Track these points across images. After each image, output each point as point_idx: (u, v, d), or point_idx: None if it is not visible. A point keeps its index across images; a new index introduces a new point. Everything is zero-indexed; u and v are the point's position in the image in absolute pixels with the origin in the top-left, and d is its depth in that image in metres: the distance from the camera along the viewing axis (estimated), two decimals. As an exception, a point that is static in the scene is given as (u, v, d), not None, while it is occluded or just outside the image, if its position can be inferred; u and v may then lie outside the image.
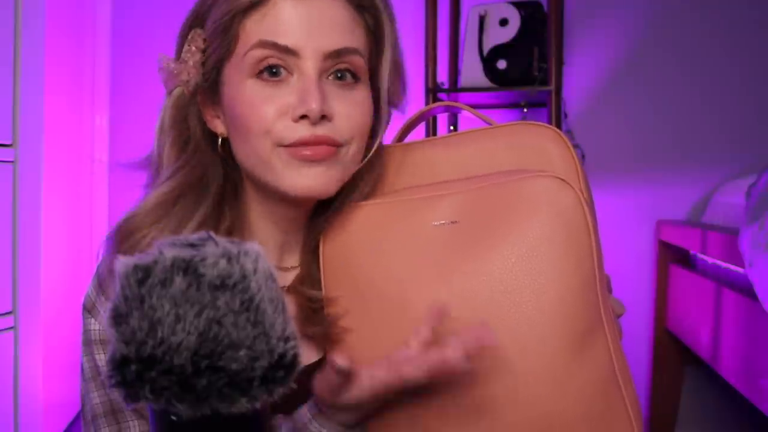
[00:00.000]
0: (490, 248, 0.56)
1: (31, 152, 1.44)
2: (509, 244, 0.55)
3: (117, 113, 2.09)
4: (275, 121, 0.59)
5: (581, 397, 0.53)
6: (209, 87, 0.63)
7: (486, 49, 1.70)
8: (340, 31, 0.60)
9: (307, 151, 0.59)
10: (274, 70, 0.59)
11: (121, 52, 2.09)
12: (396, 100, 0.67)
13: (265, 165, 0.60)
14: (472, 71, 1.70)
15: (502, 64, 1.67)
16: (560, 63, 1.61)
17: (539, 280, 0.54)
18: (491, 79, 1.68)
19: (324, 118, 0.59)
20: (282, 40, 0.58)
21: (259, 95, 0.59)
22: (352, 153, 0.62)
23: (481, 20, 1.70)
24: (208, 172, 0.64)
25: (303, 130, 0.59)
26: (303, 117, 0.59)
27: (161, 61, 0.63)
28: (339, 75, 0.61)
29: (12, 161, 1.41)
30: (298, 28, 0.58)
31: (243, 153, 0.62)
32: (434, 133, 1.70)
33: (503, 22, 1.68)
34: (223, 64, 0.61)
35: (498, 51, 1.68)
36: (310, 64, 0.59)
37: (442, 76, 1.81)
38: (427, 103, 1.69)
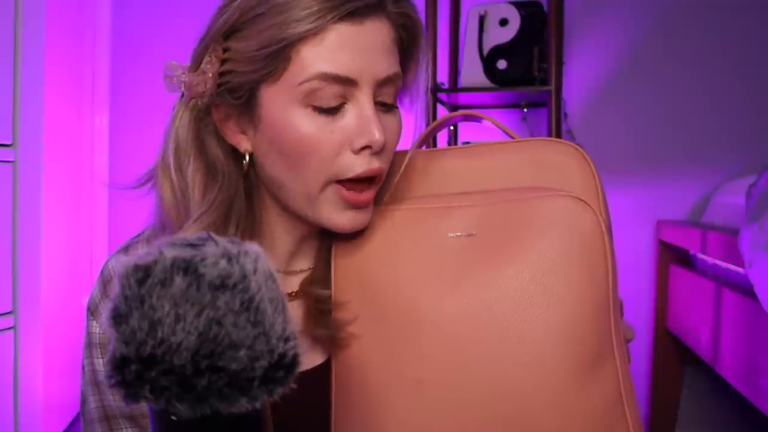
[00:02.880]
0: (504, 264, 0.55)
1: (31, 152, 1.44)
2: (524, 261, 0.55)
3: (117, 114, 2.09)
4: (336, 157, 0.58)
5: (585, 421, 0.53)
6: (243, 104, 0.59)
7: (486, 49, 1.69)
8: (389, 55, 0.59)
9: (356, 197, 0.59)
10: (326, 98, 0.57)
11: (121, 52, 2.09)
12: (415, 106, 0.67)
13: (309, 199, 0.60)
14: (472, 71, 1.70)
15: (502, 64, 1.67)
16: (560, 63, 1.61)
17: (552, 299, 0.53)
18: (491, 79, 1.68)
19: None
20: (343, 71, 0.56)
21: (316, 127, 0.57)
22: (383, 180, 0.63)
23: (481, 20, 1.70)
24: (235, 199, 0.62)
25: (364, 164, 0.58)
26: (364, 148, 0.58)
27: (172, 69, 0.60)
28: (380, 96, 0.60)
29: (12, 161, 1.41)
30: (357, 55, 0.56)
31: (282, 179, 0.60)
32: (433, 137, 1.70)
33: (503, 22, 1.68)
34: (262, 84, 0.58)
35: (498, 51, 1.68)
36: (365, 92, 0.58)
37: (442, 76, 1.81)
38: (427, 104, 1.68)
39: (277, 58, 0.56)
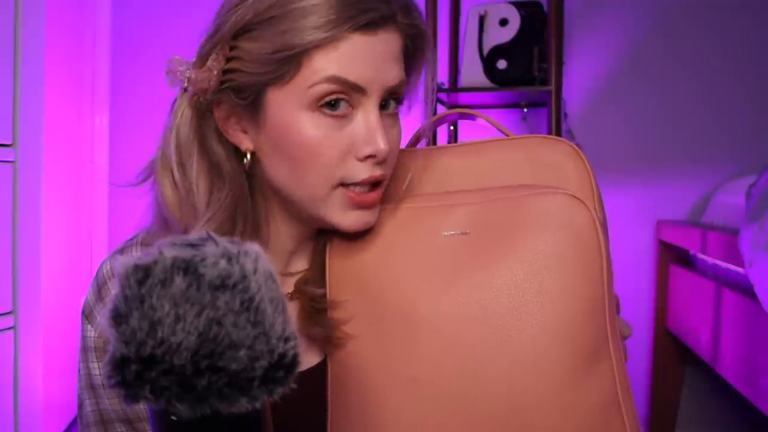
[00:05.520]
0: (498, 262, 0.55)
1: (31, 152, 1.44)
2: (518, 259, 0.55)
3: (117, 113, 2.09)
4: (340, 162, 0.59)
5: (581, 419, 0.53)
6: (248, 105, 0.59)
7: (486, 49, 1.69)
8: (396, 64, 0.60)
9: (362, 198, 0.60)
10: (334, 103, 0.57)
11: (121, 52, 2.09)
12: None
13: (314, 201, 0.60)
14: (472, 71, 1.70)
15: (502, 64, 1.67)
16: (560, 63, 1.61)
17: (546, 297, 0.53)
18: (491, 79, 1.68)
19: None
20: (353, 77, 0.57)
21: (322, 131, 0.58)
22: (387, 183, 0.63)
23: (481, 20, 1.70)
24: (239, 201, 0.62)
25: (367, 171, 0.59)
26: (368, 156, 0.59)
27: (176, 64, 0.60)
28: (384, 103, 0.61)
29: (12, 161, 1.41)
30: (369, 64, 0.57)
31: (285, 181, 0.61)
32: (434, 135, 1.70)
33: (503, 22, 1.68)
34: (269, 87, 0.58)
35: (498, 51, 1.68)
36: (373, 101, 0.59)
37: (442, 76, 1.81)
38: (426, 104, 1.68)
39: (289, 63, 0.56)
